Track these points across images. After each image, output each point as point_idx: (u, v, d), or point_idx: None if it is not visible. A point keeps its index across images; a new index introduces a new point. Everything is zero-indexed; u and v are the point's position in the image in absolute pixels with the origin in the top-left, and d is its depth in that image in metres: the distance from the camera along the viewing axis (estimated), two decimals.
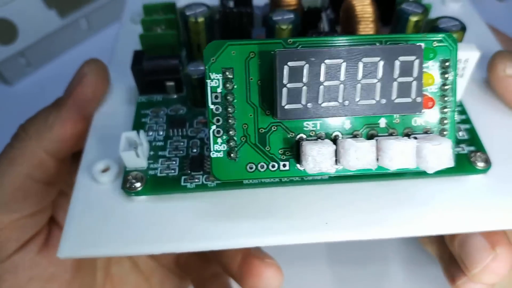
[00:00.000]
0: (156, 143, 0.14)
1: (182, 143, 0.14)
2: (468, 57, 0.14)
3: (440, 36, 0.11)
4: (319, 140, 0.11)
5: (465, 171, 0.14)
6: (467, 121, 0.15)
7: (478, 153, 0.14)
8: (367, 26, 0.15)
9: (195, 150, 0.14)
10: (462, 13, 0.20)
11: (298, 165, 0.12)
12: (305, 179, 0.13)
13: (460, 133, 0.15)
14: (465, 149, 0.14)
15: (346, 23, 0.15)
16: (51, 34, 0.33)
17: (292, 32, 0.15)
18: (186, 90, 0.16)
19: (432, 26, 0.15)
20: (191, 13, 0.15)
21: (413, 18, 0.15)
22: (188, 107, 0.15)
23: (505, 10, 0.39)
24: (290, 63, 0.10)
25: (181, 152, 0.14)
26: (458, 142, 0.14)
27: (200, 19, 0.15)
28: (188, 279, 0.20)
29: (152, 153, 0.14)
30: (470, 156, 0.14)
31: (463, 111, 0.15)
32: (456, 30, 0.15)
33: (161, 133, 0.15)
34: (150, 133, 0.15)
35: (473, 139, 0.14)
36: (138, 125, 0.15)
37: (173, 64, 0.15)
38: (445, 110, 0.12)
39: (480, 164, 0.14)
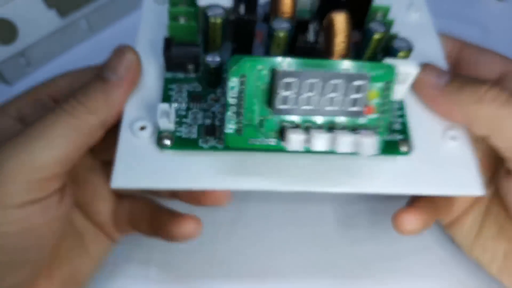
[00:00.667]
0: (180, 112, 0.20)
1: (199, 114, 0.20)
2: (409, 71, 0.20)
3: (383, 68, 0.17)
4: (297, 128, 0.17)
5: (394, 153, 0.20)
6: (402, 116, 0.21)
7: (405, 141, 0.20)
8: (342, 40, 0.20)
9: (209, 120, 0.20)
10: (420, 23, 0.25)
11: (282, 142, 0.17)
12: (286, 151, 0.19)
13: (396, 125, 0.21)
14: (397, 137, 0.20)
15: (327, 33, 0.21)
16: (51, 34, 0.32)
17: (287, 37, 0.20)
18: (202, 73, 0.21)
19: (388, 45, 0.20)
20: (212, 14, 0.20)
21: (376, 36, 0.20)
22: (203, 86, 0.21)
23: (505, 10, 0.40)
24: (285, 79, 0.16)
25: (199, 121, 0.20)
26: (393, 131, 0.20)
27: (218, 20, 0.20)
28: (121, 236, 0.24)
29: (177, 119, 0.20)
30: (399, 142, 0.20)
31: (401, 108, 0.21)
32: (404, 50, 0.20)
33: (183, 104, 0.20)
34: (176, 104, 0.20)
35: (404, 130, 0.21)
36: (166, 97, 0.20)
37: (195, 51, 0.20)
38: (382, 116, 0.18)
39: (404, 149, 0.20)
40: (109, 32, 0.37)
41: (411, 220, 0.21)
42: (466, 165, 0.20)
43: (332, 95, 0.16)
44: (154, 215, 0.22)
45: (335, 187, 0.19)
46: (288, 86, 0.16)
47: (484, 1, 0.41)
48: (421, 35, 0.24)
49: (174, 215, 0.21)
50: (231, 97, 0.16)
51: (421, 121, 0.21)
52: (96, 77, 0.19)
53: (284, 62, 0.16)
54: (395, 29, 0.22)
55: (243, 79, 0.16)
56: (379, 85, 0.17)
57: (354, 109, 0.16)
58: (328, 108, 0.16)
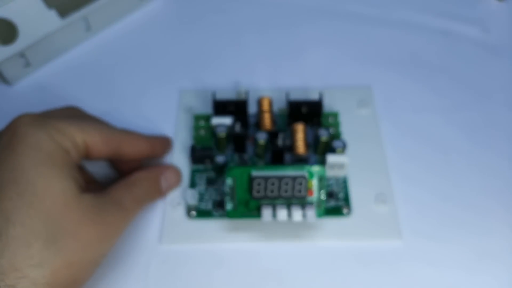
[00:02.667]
0: (201, 191, 0.32)
1: (213, 193, 0.32)
2: (343, 161, 0.31)
3: (316, 169, 0.28)
4: (268, 205, 0.28)
5: (338, 214, 0.31)
6: (345, 187, 0.32)
7: (346, 206, 0.31)
8: (301, 140, 0.32)
9: (219, 196, 0.32)
10: (367, 117, 0.36)
11: (262, 215, 0.29)
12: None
13: (341, 195, 0.32)
14: (340, 203, 0.31)
15: (292, 136, 0.32)
16: (51, 34, 0.33)
17: (265, 143, 0.31)
18: (214, 166, 0.33)
19: (330, 145, 0.31)
20: (219, 130, 0.32)
21: (323, 140, 0.32)
22: (215, 174, 0.33)
23: (505, 10, 0.40)
24: (256, 180, 0.27)
25: (213, 197, 0.32)
26: (338, 199, 0.31)
27: (223, 135, 0.32)
28: None
29: (199, 196, 0.31)
30: (342, 207, 0.31)
31: (345, 182, 0.32)
32: (340, 147, 0.31)
33: (203, 186, 0.32)
34: (199, 186, 0.32)
35: (346, 198, 0.31)
36: (192, 182, 0.32)
37: (210, 153, 0.33)
38: (320, 193, 0.29)
39: (346, 211, 0.31)
40: (109, 32, 0.37)
41: None
42: (390, 220, 0.31)
43: (285, 187, 0.27)
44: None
45: (295, 240, 0.30)
46: (259, 184, 0.27)
47: (484, 1, 0.40)
48: (366, 127, 0.35)
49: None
50: (228, 189, 0.28)
51: (358, 190, 0.32)
52: (154, 184, 0.29)
53: (256, 170, 0.28)
54: (345, 123, 0.34)
55: (234, 178, 0.28)
56: (315, 177, 0.28)
57: (300, 194, 0.28)
58: (285, 194, 0.28)
